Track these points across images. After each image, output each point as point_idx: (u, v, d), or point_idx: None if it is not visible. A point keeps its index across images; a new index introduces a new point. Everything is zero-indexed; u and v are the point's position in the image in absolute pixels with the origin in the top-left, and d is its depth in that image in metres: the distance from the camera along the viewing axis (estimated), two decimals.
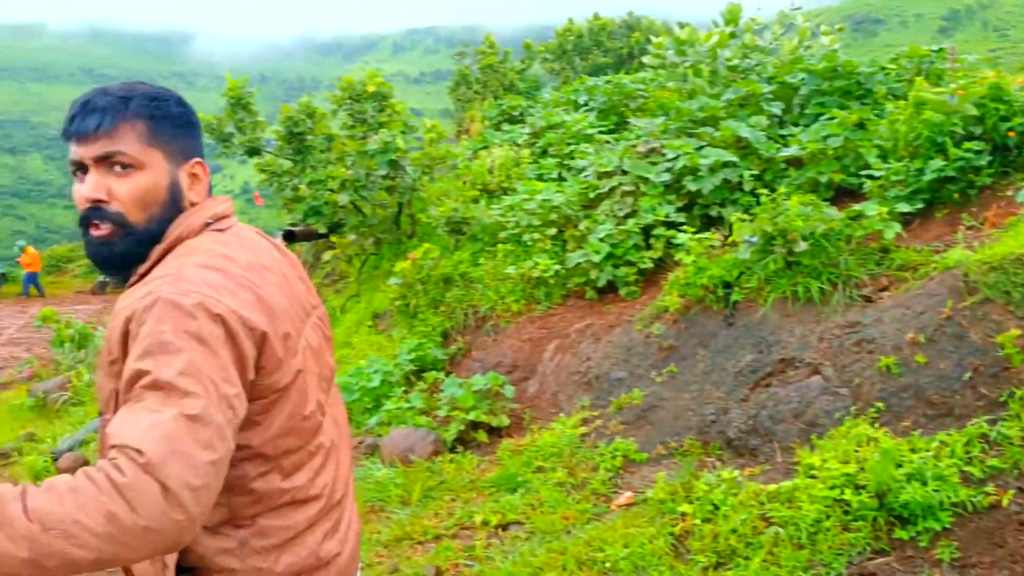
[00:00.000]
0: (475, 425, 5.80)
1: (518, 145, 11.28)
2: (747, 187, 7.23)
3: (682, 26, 12.45)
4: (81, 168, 1.50)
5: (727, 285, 5.71)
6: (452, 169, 10.98)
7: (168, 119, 1.54)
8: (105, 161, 1.47)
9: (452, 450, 5.65)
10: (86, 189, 1.49)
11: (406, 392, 6.51)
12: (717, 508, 4.15)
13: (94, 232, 1.51)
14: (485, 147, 11.88)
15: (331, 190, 9.40)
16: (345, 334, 9.23)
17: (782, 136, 8.04)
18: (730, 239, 5.99)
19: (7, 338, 15.19)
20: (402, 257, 9.05)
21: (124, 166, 1.48)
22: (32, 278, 22.78)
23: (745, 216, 5.86)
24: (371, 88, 9.62)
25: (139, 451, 1.18)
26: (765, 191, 6.13)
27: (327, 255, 10.54)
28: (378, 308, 9.15)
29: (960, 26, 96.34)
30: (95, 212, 1.50)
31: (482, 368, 6.85)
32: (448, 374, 7.03)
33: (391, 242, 9.94)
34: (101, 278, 22.45)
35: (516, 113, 13.36)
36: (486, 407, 5.80)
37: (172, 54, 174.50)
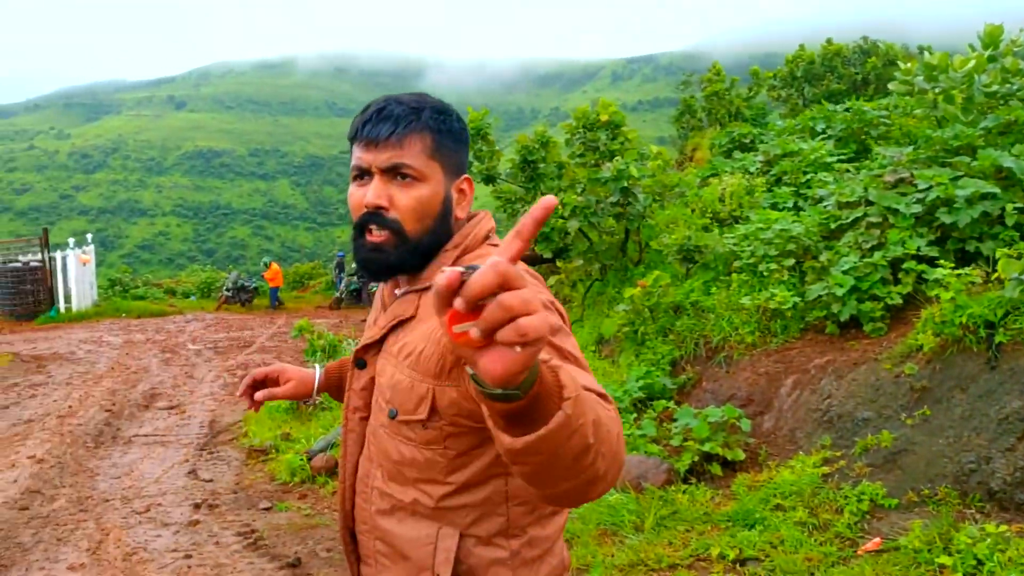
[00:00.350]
0: (708, 457, 5.74)
1: (750, 173, 11.08)
2: (1009, 221, 6.71)
3: (927, 51, 11.72)
4: (365, 174, 1.51)
5: (990, 325, 5.31)
6: (680, 197, 10.95)
7: (451, 133, 1.55)
8: (391, 171, 1.48)
9: (685, 480, 5.61)
10: (370, 195, 1.48)
11: (636, 419, 6.54)
12: (982, 563, 3.87)
13: (369, 237, 1.50)
14: (714, 175, 11.78)
15: (561, 217, 9.65)
16: None
17: None
18: (994, 276, 5.58)
19: (259, 346, 16.65)
20: (628, 284, 9.12)
21: (407, 176, 1.48)
22: (274, 292, 24.92)
23: (1010, 251, 5.43)
24: (604, 117, 9.83)
25: (609, 400, 1.15)
26: None
27: (551, 280, 10.80)
28: (604, 334, 9.26)
29: None
30: (374, 218, 1.49)
31: (713, 400, 6.77)
32: (678, 404, 6.99)
33: (617, 269, 10.06)
34: (338, 294, 24.17)
35: (747, 141, 13.13)
36: (721, 439, 5.72)
37: (405, 87, 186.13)
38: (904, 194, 7.43)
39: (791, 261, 7.64)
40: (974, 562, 3.89)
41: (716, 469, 5.66)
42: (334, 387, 1.96)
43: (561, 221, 9.69)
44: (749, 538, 4.69)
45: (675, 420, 6.07)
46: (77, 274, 20.41)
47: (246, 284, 24.96)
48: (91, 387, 11.39)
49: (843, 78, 21.94)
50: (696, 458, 5.64)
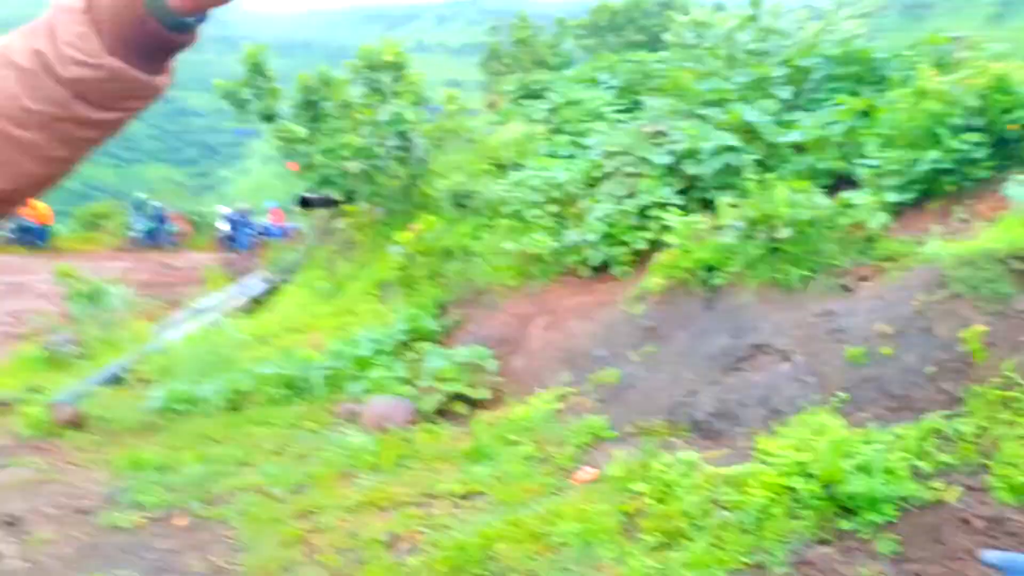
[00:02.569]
0: (456, 396, 5.88)
1: (535, 121, 11.27)
2: (748, 172, 7.18)
3: (720, 7, 12.31)
4: None
5: (710, 269, 5.70)
6: (470, 142, 11.00)
7: None
8: None
9: (430, 420, 5.73)
10: None
11: (394, 361, 6.61)
12: (671, 488, 4.19)
13: None
14: (503, 121, 11.89)
15: (346, 158, 9.48)
16: (351, 302, 9.35)
17: (791, 121, 7.95)
18: (716, 223, 5.98)
19: (38, 292, 15.49)
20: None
21: None
22: (39, 230, 22.06)
23: (732, 201, 5.84)
24: (388, 58, 9.66)
25: None
26: (772, 176, 6.12)
27: (339, 223, 10.64)
28: (384, 278, 9.24)
29: (1014, 14, 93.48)
30: None
31: (474, 341, 6.92)
32: (443, 346, 7.11)
33: (402, 213, 10.02)
34: (133, 233, 22.60)
35: (538, 88, 13.31)
36: (467, 379, 5.87)
37: (216, 18, 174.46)
38: (659, 144, 7.79)
39: (555, 208, 7.86)
40: (665, 488, 4.20)
41: (461, 408, 5.81)
42: None
43: (344, 161, 9.52)
44: (478, 473, 4.87)
45: (426, 362, 6.17)
46: None
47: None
48: None
49: (644, 30, 22.64)
50: (442, 398, 5.77)
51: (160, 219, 22.59)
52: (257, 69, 9.75)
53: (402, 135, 8.76)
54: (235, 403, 6.56)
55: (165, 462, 5.74)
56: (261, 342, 8.71)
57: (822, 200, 5.51)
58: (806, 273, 5.24)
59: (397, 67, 9.68)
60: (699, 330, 5.44)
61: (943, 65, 7.99)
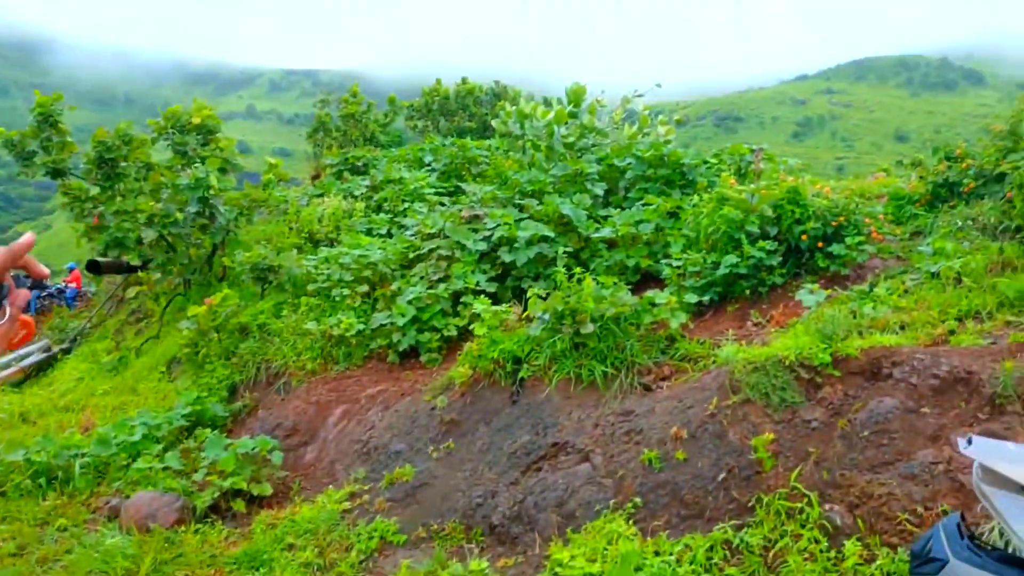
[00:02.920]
0: (237, 492, 5.33)
1: (354, 197, 10.99)
2: (560, 263, 7.18)
3: (547, 101, 12.58)
4: None
5: (517, 361, 5.54)
6: (283, 214, 10.55)
7: None
8: None
9: (204, 519, 5.15)
10: None
11: (165, 450, 5.96)
12: None
13: None
14: (322, 195, 11.53)
15: (140, 222, 8.78)
16: (135, 379, 8.54)
17: (605, 217, 8.09)
18: (525, 314, 5.86)
19: None
20: None
21: None
22: None
23: (539, 292, 5.75)
24: (196, 120, 9.11)
25: None
26: (580, 269, 6.10)
27: (132, 291, 9.82)
28: (174, 354, 8.52)
29: (812, 133, 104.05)
30: None
31: (264, 429, 6.40)
32: (230, 432, 6.54)
33: (201, 284, 9.36)
34: None
35: (361, 164, 13.09)
36: (249, 473, 5.35)
37: (32, 63, 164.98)
38: (476, 230, 7.69)
39: (365, 287, 7.54)
40: None
41: (239, 505, 5.27)
42: None
43: (137, 227, 8.81)
44: None
45: (204, 452, 5.60)
46: None
47: None
48: None
49: (475, 116, 23.04)
50: (218, 494, 5.21)
51: None
52: (48, 120, 8.93)
53: (204, 201, 8.21)
54: None
55: None
56: (24, 421, 7.75)
57: (627, 297, 5.50)
58: (609, 370, 5.16)
59: (206, 130, 9.15)
60: (502, 425, 5.22)
61: (744, 175, 8.43)
